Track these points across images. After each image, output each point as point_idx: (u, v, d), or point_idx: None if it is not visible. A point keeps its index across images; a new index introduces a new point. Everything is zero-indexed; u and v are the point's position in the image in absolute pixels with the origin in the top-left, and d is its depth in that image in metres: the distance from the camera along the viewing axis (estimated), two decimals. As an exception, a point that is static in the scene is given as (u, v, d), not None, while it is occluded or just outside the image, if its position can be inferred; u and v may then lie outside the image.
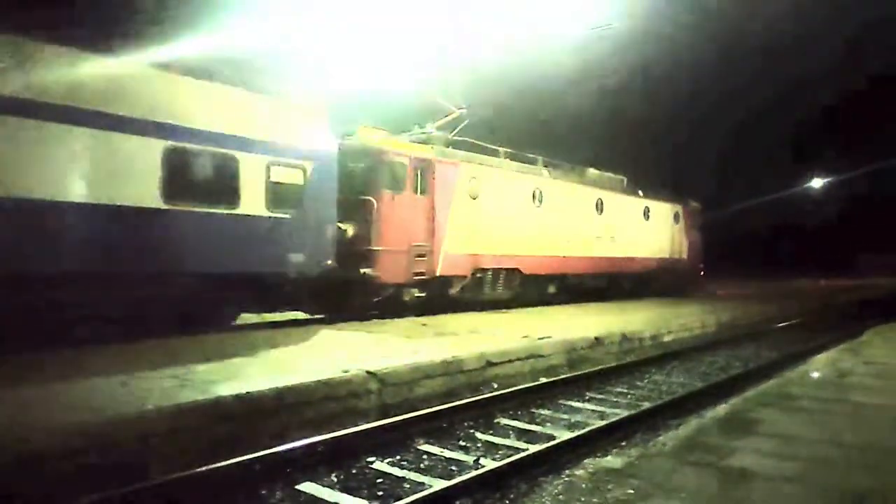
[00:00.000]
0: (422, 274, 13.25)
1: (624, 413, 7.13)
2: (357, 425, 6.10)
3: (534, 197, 16.37)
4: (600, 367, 9.68)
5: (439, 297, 13.91)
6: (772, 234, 56.47)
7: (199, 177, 9.36)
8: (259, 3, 12.71)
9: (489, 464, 5.43)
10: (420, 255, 13.16)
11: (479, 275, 14.74)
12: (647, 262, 21.42)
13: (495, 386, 8.26)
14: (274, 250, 10.37)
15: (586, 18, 15.91)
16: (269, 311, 12.08)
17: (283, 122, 10.80)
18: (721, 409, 6.26)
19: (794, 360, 10.51)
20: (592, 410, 7.53)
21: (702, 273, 25.81)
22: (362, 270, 12.00)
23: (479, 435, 6.43)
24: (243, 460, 5.03)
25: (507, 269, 15.45)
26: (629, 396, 8.33)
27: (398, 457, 5.73)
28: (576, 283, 18.10)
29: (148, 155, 8.73)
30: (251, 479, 4.95)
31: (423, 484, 5.09)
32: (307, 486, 5.00)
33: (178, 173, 9.02)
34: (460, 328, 11.03)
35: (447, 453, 5.85)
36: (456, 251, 13.98)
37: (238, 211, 9.84)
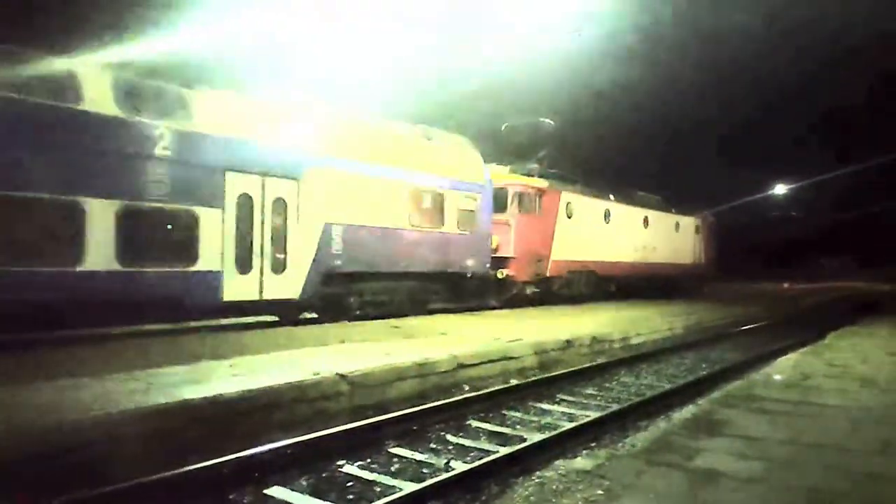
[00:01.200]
0: (539, 275, 17.95)
1: (594, 415, 7.21)
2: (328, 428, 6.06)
3: (605, 216, 21.20)
4: (571, 368, 9.76)
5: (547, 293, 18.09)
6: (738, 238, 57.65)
7: (425, 207, 14.29)
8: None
9: (460, 466, 5.44)
10: (538, 261, 17.99)
11: (570, 276, 19.19)
12: (677, 266, 26.20)
13: (466, 388, 8.28)
14: (459, 258, 15.05)
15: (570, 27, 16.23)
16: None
17: (465, 163, 15.58)
18: (688, 410, 6.37)
19: (758, 362, 10.73)
20: (563, 412, 7.59)
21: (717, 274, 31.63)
22: (502, 271, 16.70)
23: (450, 437, 6.44)
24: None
25: (588, 271, 20.11)
26: (599, 398, 8.42)
27: (369, 460, 5.71)
28: (627, 283, 22.34)
29: (402, 193, 13.62)
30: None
31: (393, 487, 5.08)
32: (275, 491, 4.95)
33: (415, 205, 13.96)
34: (431, 331, 11.04)
35: (418, 456, 5.85)
36: (559, 258, 18.68)
37: (443, 230, 14.63)
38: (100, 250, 8.78)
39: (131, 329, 10.04)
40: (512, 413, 7.46)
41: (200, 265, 10.00)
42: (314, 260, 11.77)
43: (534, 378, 8.92)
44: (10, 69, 8.23)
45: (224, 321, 11.97)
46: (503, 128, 20.43)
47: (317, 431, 5.88)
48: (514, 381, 8.74)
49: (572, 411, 7.63)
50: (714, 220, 30.21)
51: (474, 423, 6.94)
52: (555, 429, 6.63)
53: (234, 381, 6.35)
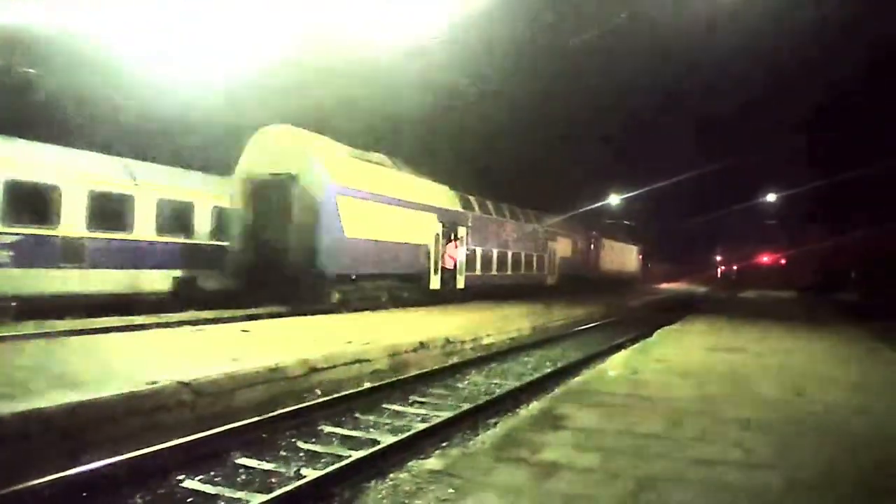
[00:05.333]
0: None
1: (446, 414, 7.34)
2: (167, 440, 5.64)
3: (602, 247, 40.17)
4: (425, 369, 9.89)
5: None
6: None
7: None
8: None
9: (311, 473, 5.30)
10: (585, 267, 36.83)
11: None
12: (630, 273, 49.43)
13: (319, 392, 8.10)
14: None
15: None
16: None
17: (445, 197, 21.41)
18: (534, 406, 6.68)
19: (594, 360, 11.53)
20: (415, 413, 7.65)
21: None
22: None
23: (301, 444, 6.25)
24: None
25: (600, 277, 38.73)
26: (450, 398, 8.59)
27: (212, 472, 5.39)
28: (607, 281, 39.14)
29: (430, 221, 19.34)
30: None
31: (239, 500, 4.83)
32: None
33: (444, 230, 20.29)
34: (290, 334, 10.69)
35: (266, 465, 5.61)
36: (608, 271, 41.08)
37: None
38: None
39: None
40: (365, 416, 7.40)
41: None
42: None
43: (387, 380, 8.92)
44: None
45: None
46: None
47: (152, 445, 5.45)
48: (367, 384, 8.68)
49: (425, 412, 7.72)
50: (643, 245, 50.78)
51: (326, 428, 6.80)
52: (408, 430, 6.67)
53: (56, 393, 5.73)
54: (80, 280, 13.34)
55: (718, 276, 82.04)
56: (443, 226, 20.11)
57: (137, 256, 14.65)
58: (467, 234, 21.74)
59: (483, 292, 22.35)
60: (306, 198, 14.54)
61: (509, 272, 25.73)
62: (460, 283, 21.25)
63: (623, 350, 11.50)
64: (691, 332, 13.98)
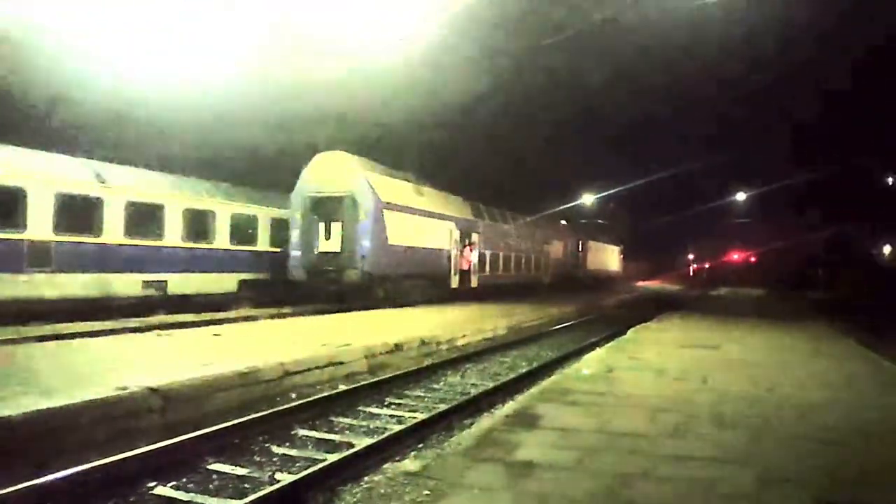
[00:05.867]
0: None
1: (422, 416, 7.31)
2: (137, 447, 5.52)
3: (589, 249, 41.87)
4: (403, 370, 9.84)
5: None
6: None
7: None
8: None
9: (285, 478, 5.22)
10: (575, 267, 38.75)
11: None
12: (613, 272, 51.14)
13: (293, 396, 8.02)
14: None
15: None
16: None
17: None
18: (509, 406, 6.68)
19: (570, 358, 11.59)
20: (391, 415, 7.61)
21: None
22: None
23: (275, 448, 6.17)
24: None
25: (587, 275, 41.07)
26: (426, 399, 8.56)
27: (184, 479, 5.29)
28: (593, 279, 41.94)
29: (450, 229, 22.08)
30: None
31: (212, 506, 4.75)
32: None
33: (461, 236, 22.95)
34: (264, 337, 10.57)
35: (240, 471, 5.52)
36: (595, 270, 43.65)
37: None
38: None
39: None
40: (340, 419, 7.33)
41: None
42: None
43: (363, 382, 8.86)
44: None
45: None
46: None
47: (123, 452, 5.34)
48: (342, 387, 8.61)
49: (401, 413, 7.68)
50: (623, 246, 52.47)
51: (301, 432, 6.72)
52: (383, 432, 6.62)
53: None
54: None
55: (691, 274, 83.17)
56: (460, 233, 22.85)
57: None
58: (479, 239, 24.45)
59: (491, 290, 25.00)
60: (359, 212, 17.40)
61: (512, 272, 28.60)
62: (474, 283, 24.03)
63: (598, 348, 11.58)
64: (665, 330, 14.14)
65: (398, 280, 19.04)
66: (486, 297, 23.60)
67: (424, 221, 20.36)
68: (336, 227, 17.54)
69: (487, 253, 25.49)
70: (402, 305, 18.41)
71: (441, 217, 21.63)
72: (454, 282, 22.55)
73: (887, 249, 49.52)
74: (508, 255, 27.91)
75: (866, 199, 44.52)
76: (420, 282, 20.36)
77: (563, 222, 38.43)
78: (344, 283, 17.43)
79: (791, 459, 4.70)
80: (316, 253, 17.61)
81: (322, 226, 17.66)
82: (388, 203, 18.15)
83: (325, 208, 17.64)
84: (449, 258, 22.02)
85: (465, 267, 23.37)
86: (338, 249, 17.46)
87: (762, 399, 6.78)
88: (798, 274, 46.78)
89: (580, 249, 40.51)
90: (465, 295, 22.51)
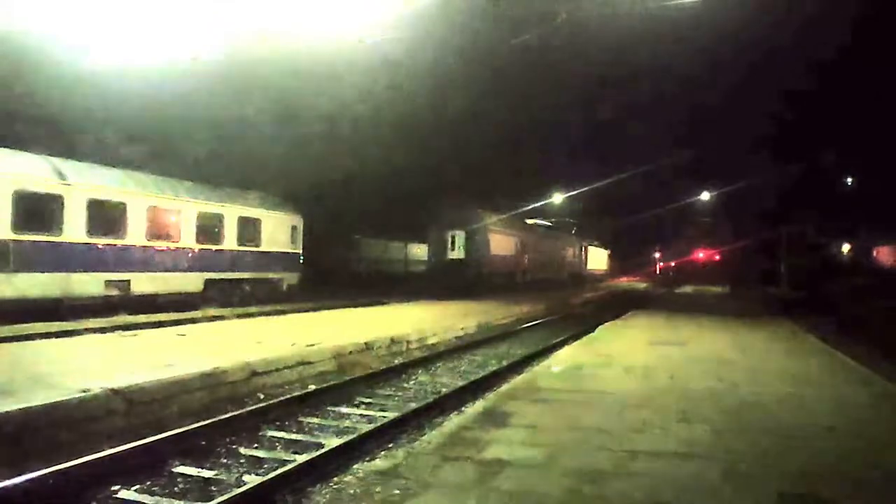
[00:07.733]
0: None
1: (392, 415, 7.28)
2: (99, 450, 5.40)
3: (588, 252, 50.97)
4: (370, 370, 9.79)
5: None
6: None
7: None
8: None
9: (252, 480, 5.15)
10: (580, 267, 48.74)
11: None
12: (603, 271, 57.92)
13: (261, 397, 7.92)
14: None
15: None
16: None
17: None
18: (479, 404, 6.69)
19: (539, 356, 11.65)
20: (361, 415, 7.56)
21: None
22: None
23: (242, 450, 6.08)
24: None
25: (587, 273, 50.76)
26: (396, 398, 8.53)
27: (149, 482, 5.18)
28: (590, 277, 49.81)
29: (515, 241, 33.68)
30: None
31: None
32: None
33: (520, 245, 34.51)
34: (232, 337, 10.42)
35: (206, 473, 5.43)
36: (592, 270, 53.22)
37: None
38: None
39: None
40: (309, 419, 7.27)
41: None
42: None
43: (332, 382, 8.79)
44: None
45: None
46: None
47: (86, 455, 5.21)
48: (312, 387, 8.54)
49: (371, 413, 7.64)
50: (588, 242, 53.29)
51: (269, 433, 6.64)
52: (353, 432, 6.58)
53: (-23, 405, 5.41)
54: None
55: (657, 272, 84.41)
56: (521, 244, 33.91)
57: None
58: (527, 247, 34.73)
59: (532, 285, 34.24)
60: (479, 235, 28.81)
61: (547, 272, 38.68)
62: (527, 278, 34.72)
63: (567, 346, 11.67)
64: (633, 327, 14.32)
65: (493, 276, 29.77)
66: (528, 289, 32.32)
67: (503, 238, 31.05)
68: (461, 244, 28.92)
69: (528, 257, 34.92)
70: (489, 296, 25.12)
71: (509, 234, 32.11)
72: (518, 277, 33.26)
73: (846, 248, 50.95)
74: (544, 260, 37.98)
75: (826, 199, 45.78)
76: (503, 278, 30.89)
77: (573, 231, 48.96)
78: (464, 279, 27.51)
79: (756, 454, 4.80)
80: (443, 262, 29.20)
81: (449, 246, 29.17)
82: (490, 228, 29.62)
83: (454, 236, 29.01)
84: (515, 262, 32.74)
85: (521, 268, 33.66)
86: (462, 258, 28.68)
87: (727, 394, 6.92)
88: (759, 271, 47.82)
89: (582, 253, 49.76)
90: (520, 288, 32.00)
